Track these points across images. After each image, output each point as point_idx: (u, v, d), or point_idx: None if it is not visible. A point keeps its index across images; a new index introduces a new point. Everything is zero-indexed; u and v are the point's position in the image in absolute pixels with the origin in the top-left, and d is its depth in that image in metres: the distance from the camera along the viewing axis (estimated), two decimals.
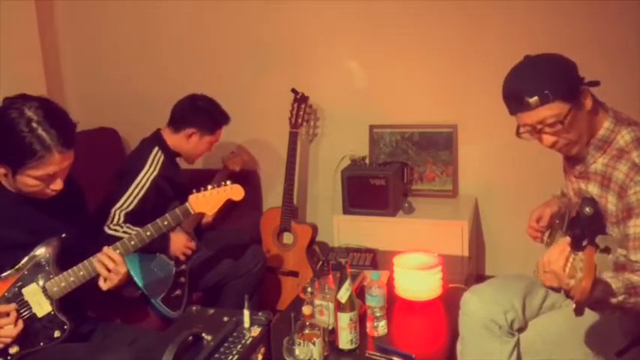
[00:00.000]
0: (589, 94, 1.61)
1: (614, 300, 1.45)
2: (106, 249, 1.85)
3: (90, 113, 3.45)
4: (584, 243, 1.33)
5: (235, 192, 2.05)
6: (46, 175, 1.71)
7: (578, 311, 1.38)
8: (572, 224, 1.60)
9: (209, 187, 2.03)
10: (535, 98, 1.57)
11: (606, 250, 1.33)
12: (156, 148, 2.60)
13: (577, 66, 1.62)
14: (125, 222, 2.42)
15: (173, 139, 2.68)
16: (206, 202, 2.01)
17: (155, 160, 2.57)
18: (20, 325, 1.72)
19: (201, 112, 2.68)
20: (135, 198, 2.46)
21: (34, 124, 1.65)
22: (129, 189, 2.47)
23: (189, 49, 3.46)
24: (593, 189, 1.68)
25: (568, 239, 1.38)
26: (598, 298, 1.43)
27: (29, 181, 1.71)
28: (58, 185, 1.76)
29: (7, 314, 1.71)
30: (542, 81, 1.58)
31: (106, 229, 2.40)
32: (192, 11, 3.40)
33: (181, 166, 2.80)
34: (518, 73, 1.64)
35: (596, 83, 1.62)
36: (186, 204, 2.00)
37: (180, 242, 2.50)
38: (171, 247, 2.47)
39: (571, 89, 1.58)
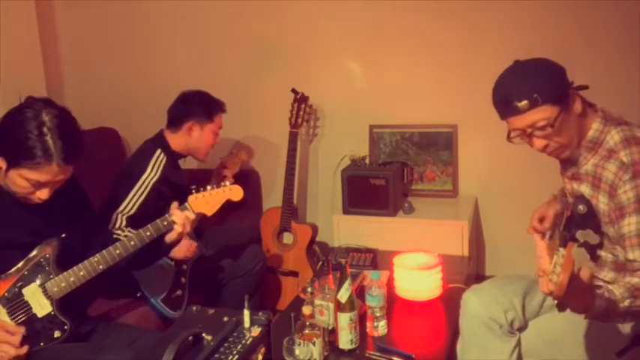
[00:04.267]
0: (578, 98, 1.62)
1: (620, 307, 1.45)
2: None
3: (90, 113, 3.42)
4: (568, 237, 1.34)
5: (235, 192, 2.05)
6: (36, 181, 1.69)
7: (560, 307, 1.38)
8: (569, 223, 1.60)
9: (208, 187, 2.04)
10: (524, 102, 1.58)
11: (584, 245, 1.33)
12: (158, 151, 2.60)
13: (565, 70, 1.63)
14: (127, 226, 2.42)
15: (175, 140, 2.67)
16: (205, 202, 2.02)
17: (157, 163, 2.56)
18: (24, 350, 1.70)
19: (193, 103, 2.68)
20: (136, 202, 2.46)
21: (45, 130, 1.64)
22: (130, 192, 2.46)
23: (189, 49, 3.46)
24: (585, 189, 1.69)
25: (557, 241, 1.38)
26: (603, 307, 1.42)
27: (19, 180, 1.69)
28: (44, 194, 1.73)
29: (13, 333, 1.71)
30: (531, 85, 1.59)
31: None
32: (192, 11, 3.40)
33: (181, 167, 2.80)
34: (508, 78, 1.65)
35: (584, 87, 1.64)
36: (186, 204, 2.00)
37: (182, 245, 2.48)
38: (173, 250, 2.46)
39: (560, 93, 1.59)
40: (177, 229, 1.97)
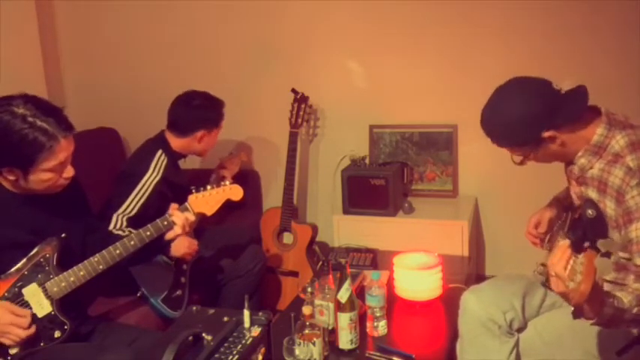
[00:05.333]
0: (556, 137, 1.63)
1: (628, 315, 1.44)
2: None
3: (90, 113, 3.45)
4: (586, 245, 1.32)
5: (234, 192, 2.06)
6: (58, 163, 1.72)
7: (577, 314, 1.37)
8: (574, 226, 1.60)
9: (208, 187, 2.04)
10: (495, 142, 1.71)
11: (607, 255, 1.32)
12: (160, 151, 2.59)
13: (543, 110, 1.61)
14: (127, 226, 2.42)
15: (179, 143, 2.66)
16: (205, 202, 2.02)
17: (158, 164, 2.56)
18: (32, 330, 1.73)
19: (202, 112, 2.67)
20: (137, 203, 2.45)
21: (31, 119, 1.66)
22: (131, 193, 2.45)
23: (189, 49, 3.46)
24: (592, 194, 1.68)
25: (568, 241, 1.37)
26: (610, 314, 1.42)
27: (43, 175, 1.72)
28: (70, 172, 1.78)
29: (23, 316, 1.73)
30: (497, 129, 1.70)
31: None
32: (192, 11, 3.40)
33: (181, 167, 2.80)
34: (485, 113, 1.72)
35: (581, 92, 1.64)
36: (186, 204, 2.00)
37: (182, 245, 2.45)
38: (173, 249, 2.45)
39: (524, 139, 1.66)
40: (177, 229, 1.97)
